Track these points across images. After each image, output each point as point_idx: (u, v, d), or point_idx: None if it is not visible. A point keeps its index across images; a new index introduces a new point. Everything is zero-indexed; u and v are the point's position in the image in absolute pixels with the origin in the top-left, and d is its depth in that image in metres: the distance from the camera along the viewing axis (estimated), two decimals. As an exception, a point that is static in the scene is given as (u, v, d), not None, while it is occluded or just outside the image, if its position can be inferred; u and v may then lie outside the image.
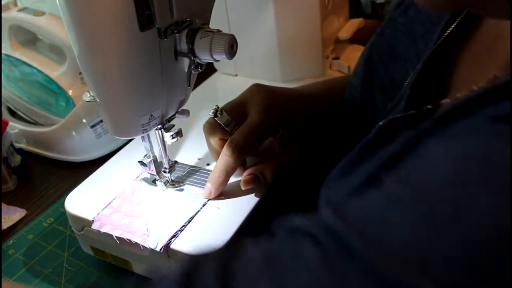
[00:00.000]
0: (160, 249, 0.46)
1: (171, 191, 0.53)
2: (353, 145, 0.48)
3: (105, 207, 0.52)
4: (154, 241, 0.47)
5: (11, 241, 0.61)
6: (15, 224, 0.63)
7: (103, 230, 0.49)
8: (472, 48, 0.36)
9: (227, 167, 0.49)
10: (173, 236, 0.47)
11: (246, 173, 0.51)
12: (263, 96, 0.52)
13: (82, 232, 0.53)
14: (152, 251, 0.48)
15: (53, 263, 0.57)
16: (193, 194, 0.52)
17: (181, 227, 0.48)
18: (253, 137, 0.50)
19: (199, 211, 0.50)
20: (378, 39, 0.46)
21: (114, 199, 0.53)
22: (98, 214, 0.51)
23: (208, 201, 0.51)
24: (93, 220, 0.50)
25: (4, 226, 0.63)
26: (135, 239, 0.47)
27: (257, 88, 0.53)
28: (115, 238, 0.48)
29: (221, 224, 0.48)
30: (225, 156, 0.49)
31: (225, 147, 0.50)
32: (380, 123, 0.36)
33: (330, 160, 0.63)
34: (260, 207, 0.51)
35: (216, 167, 0.50)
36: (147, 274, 0.52)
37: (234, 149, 0.49)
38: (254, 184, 0.51)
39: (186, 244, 0.46)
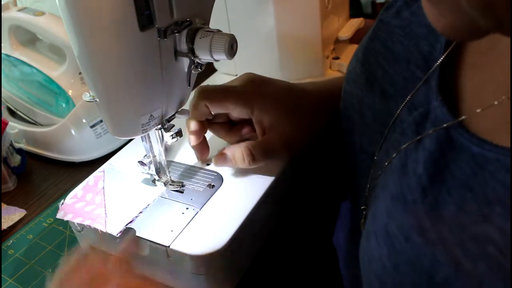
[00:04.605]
0: (117, 234, 0.48)
1: (130, 182, 0.55)
2: (348, 151, 0.48)
3: (70, 197, 0.54)
4: (112, 227, 0.48)
5: (11, 241, 0.61)
6: (14, 224, 0.63)
7: (66, 218, 0.51)
8: (474, 48, 0.36)
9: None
10: (130, 222, 0.49)
11: (219, 152, 0.54)
12: (248, 82, 0.55)
13: (82, 232, 0.53)
14: (152, 250, 0.48)
15: (53, 263, 0.57)
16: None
17: (138, 214, 0.50)
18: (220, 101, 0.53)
19: (156, 199, 0.52)
20: (372, 42, 0.45)
21: (78, 189, 0.55)
22: (63, 203, 0.53)
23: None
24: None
25: (4, 226, 0.63)
26: (95, 225, 0.49)
27: (247, 76, 0.56)
28: (76, 224, 0.51)
29: (221, 224, 0.48)
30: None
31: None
32: (430, 132, 0.34)
33: (326, 165, 0.63)
34: (261, 206, 0.51)
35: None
36: (147, 274, 0.52)
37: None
38: (225, 164, 0.54)
39: (186, 244, 0.46)
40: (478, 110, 0.32)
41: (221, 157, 0.53)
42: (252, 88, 0.54)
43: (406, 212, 0.33)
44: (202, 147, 0.56)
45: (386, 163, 0.39)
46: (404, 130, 0.38)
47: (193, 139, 0.55)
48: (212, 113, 0.54)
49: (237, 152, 0.52)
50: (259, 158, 0.52)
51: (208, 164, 0.56)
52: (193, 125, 0.54)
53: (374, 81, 0.43)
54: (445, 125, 0.33)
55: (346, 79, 0.49)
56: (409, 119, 0.38)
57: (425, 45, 0.39)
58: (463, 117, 0.33)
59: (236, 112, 0.54)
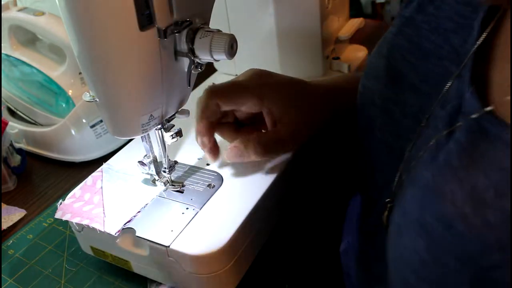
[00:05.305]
0: (115, 234, 0.48)
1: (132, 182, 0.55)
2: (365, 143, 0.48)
3: (68, 197, 0.54)
4: (110, 226, 0.48)
5: (11, 241, 0.61)
6: (14, 224, 0.63)
7: (64, 218, 0.51)
8: (500, 40, 0.36)
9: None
10: (128, 221, 0.49)
11: (230, 145, 0.53)
12: (254, 76, 0.56)
13: (81, 232, 0.53)
14: (152, 250, 0.48)
15: (53, 263, 0.57)
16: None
17: (136, 213, 0.50)
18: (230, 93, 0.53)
19: (154, 198, 0.52)
20: (397, 38, 0.45)
21: (76, 189, 0.55)
22: (61, 203, 0.53)
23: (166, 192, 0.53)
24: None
25: (4, 226, 0.63)
26: (93, 224, 0.49)
27: (252, 71, 0.57)
28: (75, 224, 0.51)
29: (221, 224, 0.48)
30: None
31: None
32: (461, 124, 0.34)
33: (328, 162, 0.63)
34: (261, 206, 0.51)
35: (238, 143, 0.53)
36: (147, 274, 0.52)
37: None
38: (237, 158, 0.53)
39: (186, 244, 0.46)
40: (505, 99, 0.32)
41: (234, 149, 0.53)
42: (259, 81, 0.55)
43: (444, 202, 0.33)
44: (214, 148, 0.55)
45: (418, 157, 0.38)
46: (437, 124, 0.38)
47: (205, 141, 0.54)
48: (223, 110, 0.54)
49: (249, 144, 0.52)
50: (270, 150, 0.52)
51: (208, 164, 0.56)
52: (204, 127, 0.54)
53: (402, 76, 0.43)
54: (474, 116, 0.33)
55: (365, 75, 0.49)
56: (441, 113, 0.37)
57: (456, 39, 0.39)
58: (491, 107, 0.32)
59: (247, 107, 0.53)
